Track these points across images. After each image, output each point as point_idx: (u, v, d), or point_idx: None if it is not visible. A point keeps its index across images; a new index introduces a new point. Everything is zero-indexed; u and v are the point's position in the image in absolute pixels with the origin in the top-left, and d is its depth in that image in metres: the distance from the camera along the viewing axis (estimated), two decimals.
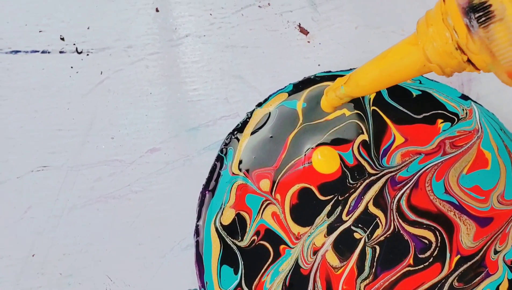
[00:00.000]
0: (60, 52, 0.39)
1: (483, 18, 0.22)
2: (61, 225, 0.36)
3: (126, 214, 0.36)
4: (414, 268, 0.34)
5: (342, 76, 0.37)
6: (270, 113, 0.37)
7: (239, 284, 0.34)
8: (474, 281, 0.34)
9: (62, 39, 0.39)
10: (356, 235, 0.35)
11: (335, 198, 0.35)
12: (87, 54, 0.39)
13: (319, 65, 0.40)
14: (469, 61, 0.24)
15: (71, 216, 0.36)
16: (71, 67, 0.39)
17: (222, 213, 0.35)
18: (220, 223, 0.35)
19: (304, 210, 0.35)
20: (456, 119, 0.37)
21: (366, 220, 0.35)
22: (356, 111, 0.37)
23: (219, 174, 0.36)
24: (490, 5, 0.21)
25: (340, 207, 0.35)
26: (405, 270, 0.34)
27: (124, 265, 0.35)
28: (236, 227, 0.35)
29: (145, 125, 0.38)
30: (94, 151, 0.37)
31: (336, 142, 0.36)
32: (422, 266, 0.34)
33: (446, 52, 0.24)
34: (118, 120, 0.38)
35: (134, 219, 0.36)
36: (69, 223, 0.36)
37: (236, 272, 0.34)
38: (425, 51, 0.25)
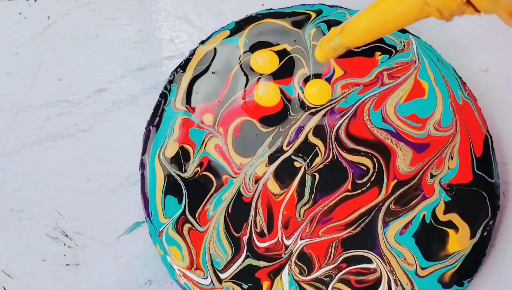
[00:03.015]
0: None
1: None
2: (11, 163, 0.37)
3: (74, 152, 0.37)
4: (352, 193, 0.36)
5: (284, 13, 0.39)
6: (214, 49, 0.38)
7: (183, 213, 0.35)
8: (411, 204, 0.36)
9: None
10: (296, 164, 0.36)
11: (276, 130, 0.36)
12: (35, 0, 0.40)
13: (263, 5, 0.40)
14: (468, 2, 0.22)
15: (21, 154, 0.37)
16: (20, 13, 0.39)
17: (166, 147, 0.36)
18: (164, 156, 0.36)
19: (246, 142, 0.36)
20: (394, 51, 0.38)
21: (306, 150, 0.36)
22: (296, 46, 0.38)
23: (163, 110, 0.37)
24: None
25: (281, 138, 0.36)
26: (343, 195, 0.36)
27: (73, 201, 0.37)
28: (180, 160, 0.36)
29: (91, 66, 0.39)
30: (43, 92, 0.38)
31: (277, 76, 0.37)
32: (360, 191, 0.36)
33: None
34: (65, 62, 0.38)
35: (83, 156, 0.37)
36: (19, 162, 0.37)
37: (180, 202, 0.35)
38: None
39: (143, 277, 0.36)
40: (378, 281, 0.34)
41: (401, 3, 0.25)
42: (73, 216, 0.36)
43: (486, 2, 0.22)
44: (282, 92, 0.37)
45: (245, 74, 0.37)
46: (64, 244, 0.36)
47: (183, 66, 0.37)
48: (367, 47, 0.38)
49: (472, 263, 0.35)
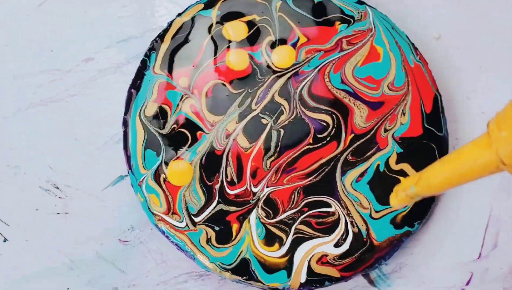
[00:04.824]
0: None
1: None
2: (8, 124, 0.41)
3: (64, 114, 0.41)
4: (314, 146, 0.39)
5: None
6: (190, 20, 0.42)
7: (161, 164, 0.39)
8: (366, 155, 0.39)
9: None
10: (264, 121, 0.40)
11: (245, 91, 0.40)
12: None
13: None
14: None
15: (16, 117, 0.41)
16: None
17: (146, 107, 0.40)
18: (144, 115, 0.40)
19: (218, 102, 0.40)
20: (352, 20, 0.42)
21: (272, 108, 0.40)
22: (264, 17, 0.42)
23: (143, 74, 0.41)
24: None
25: (249, 98, 0.40)
26: (305, 148, 0.39)
27: (63, 157, 0.41)
28: (158, 118, 0.40)
29: (80, 38, 0.43)
30: (37, 62, 0.42)
31: (246, 44, 0.41)
32: (320, 144, 0.40)
33: None
34: (57, 35, 0.43)
35: (72, 118, 0.41)
36: (15, 123, 0.41)
37: (158, 155, 0.39)
38: (499, 155, 0.24)
39: (126, 224, 0.40)
40: (336, 223, 0.38)
41: (478, 160, 0.25)
42: (63, 171, 0.40)
43: None
44: (250, 57, 0.41)
45: (217, 42, 0.41)
46: (55, 195, 0.40)
47: (161, 36, 0.42)
48: (328, 17, 0.42)
49: (422, 208, 0.39)
